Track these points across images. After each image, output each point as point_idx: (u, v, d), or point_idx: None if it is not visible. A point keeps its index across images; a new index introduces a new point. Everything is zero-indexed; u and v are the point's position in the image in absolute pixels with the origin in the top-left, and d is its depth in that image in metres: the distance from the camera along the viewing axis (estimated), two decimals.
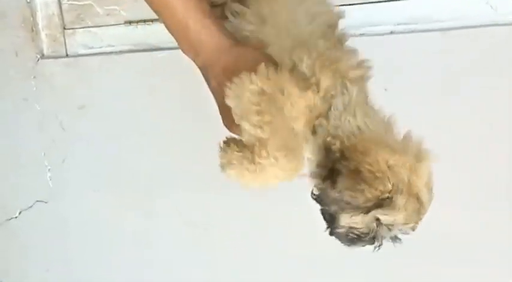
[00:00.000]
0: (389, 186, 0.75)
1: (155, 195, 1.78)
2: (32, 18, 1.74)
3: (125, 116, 1.73)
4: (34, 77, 1.77)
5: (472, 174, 1.51)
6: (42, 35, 1.75)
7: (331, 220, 0.80)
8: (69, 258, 1.89)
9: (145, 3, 1.60)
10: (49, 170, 1.84)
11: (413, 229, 0.79)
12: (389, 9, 1.48)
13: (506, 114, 1.45)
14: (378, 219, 0.77)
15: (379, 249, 0.80)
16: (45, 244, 1.91)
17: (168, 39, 1.60)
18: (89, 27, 1.71)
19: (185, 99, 1.64)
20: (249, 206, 1.63)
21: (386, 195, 0.75)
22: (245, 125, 0.78)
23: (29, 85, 1.78)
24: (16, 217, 1.91)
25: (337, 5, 1.49)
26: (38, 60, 1.76)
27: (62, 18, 1.72)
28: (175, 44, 1.58)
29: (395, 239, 0.81)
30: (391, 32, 1.49)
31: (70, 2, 1.70)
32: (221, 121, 0.92)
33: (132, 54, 1.69)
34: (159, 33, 1.65)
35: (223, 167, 0.83)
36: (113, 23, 1.68)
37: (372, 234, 0.79)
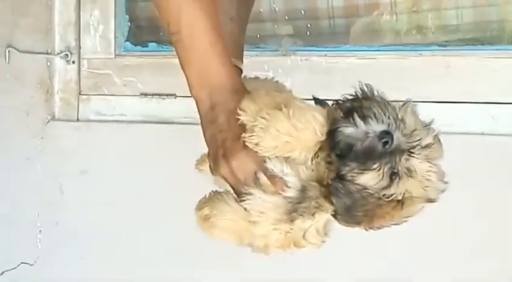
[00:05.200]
0: None
1: (141, 270, 1.75)
2: (49, 81, 1.79)
3: (126, 186, 1.73)
4: (41, 138, 1.79)
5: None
6: (57, 98, 1.79)
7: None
8: None
9: (162, 79, 1.70)
10: (40, 231, 1.81)
11: None
12: None
13: (498, 218, 1.49)
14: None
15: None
16: None
17: (179, 114, 1.71)
18: (104, 95, 1.76)
19: (189, 174, 1.67)
20: None
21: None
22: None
23: (34, 145, 1.80)
24: None
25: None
26: (48, 121, 1.79)
27: (79, 84, 1.78)
28: (186, 120, 1.68)
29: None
30: None
31: (89, 70, 1.77)
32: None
33: (142, 125, 1.73)
34: (171, 108, 1.71)
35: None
36: (128, 93, 1.74)
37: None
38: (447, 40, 1.61)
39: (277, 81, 1.13)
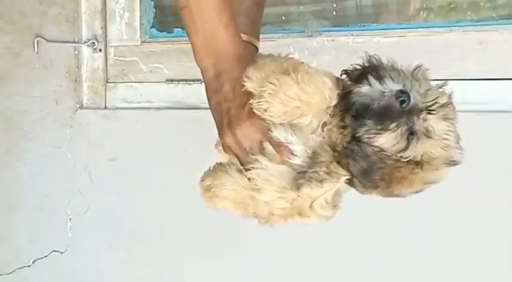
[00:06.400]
0: None
1: (170, 257, 1.74)
2: (77, 70, 1.80)
3: (154, 172, 1.73)
4: (70, 126, 1.81)
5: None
6: (85, 86, 1.80)
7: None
8: None
9: (188, 64, 1.69)
10: (70, 219, 1.82)
11: None
12: None
13: None
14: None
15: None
16: None
17: (206, 99, 1.69)
18: (131, 82, 1.76)
19: (216, 160, 1.65)
20: None
21: None
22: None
23: (63, 134, 1.81)
24: (29, 266, 1.87)
25: None
26: (77, 110, 1.80)
27: (106, 72, 1.78)
28: None
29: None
30: None
31: (116, 58, 1.77)
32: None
33: (169, 111, 1.72)
34: (198, 93, 1.69)
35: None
36: (154, 80, 1.74)
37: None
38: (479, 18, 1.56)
39: (291, 58, 1.11)
